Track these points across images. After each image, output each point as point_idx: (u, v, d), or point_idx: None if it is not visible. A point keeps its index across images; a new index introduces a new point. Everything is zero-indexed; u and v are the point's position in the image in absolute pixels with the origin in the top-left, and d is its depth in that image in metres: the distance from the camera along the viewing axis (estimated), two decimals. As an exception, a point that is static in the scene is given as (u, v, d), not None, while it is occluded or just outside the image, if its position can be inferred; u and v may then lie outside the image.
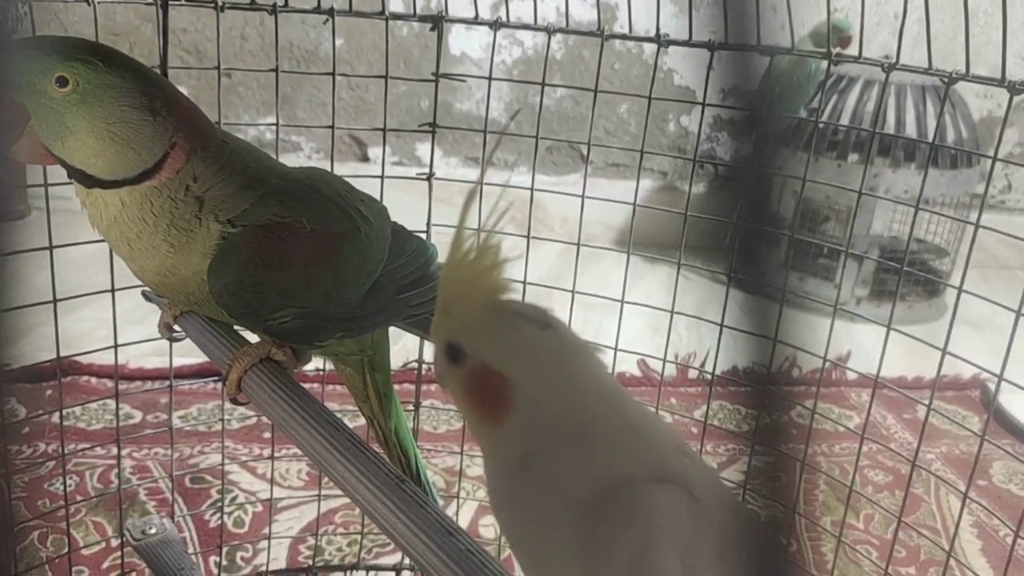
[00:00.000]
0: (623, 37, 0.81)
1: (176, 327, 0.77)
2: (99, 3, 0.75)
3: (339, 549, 1.09)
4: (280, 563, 1.06)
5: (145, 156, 0.63)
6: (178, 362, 0.95)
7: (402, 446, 0.84)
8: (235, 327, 0.74)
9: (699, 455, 0.50)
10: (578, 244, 0.86)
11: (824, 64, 0.77)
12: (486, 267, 0.47)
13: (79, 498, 1.11)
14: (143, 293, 0.85)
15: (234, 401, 0.69)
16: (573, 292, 0.88)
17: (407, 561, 1.04)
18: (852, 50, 0.78)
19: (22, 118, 0.61)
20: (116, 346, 0.86)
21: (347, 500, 1.08)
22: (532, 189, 0.87)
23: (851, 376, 1.65)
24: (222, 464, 1.00)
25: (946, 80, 0.72)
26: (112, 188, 0.63)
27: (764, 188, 0.24)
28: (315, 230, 0.66)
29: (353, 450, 0.58)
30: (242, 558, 1.06)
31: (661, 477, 0.44)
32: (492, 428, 0.47)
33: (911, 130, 1.92)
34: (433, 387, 1.40)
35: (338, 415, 0.65)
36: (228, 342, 0.70)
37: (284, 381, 0.65)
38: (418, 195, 0.91)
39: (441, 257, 0.79)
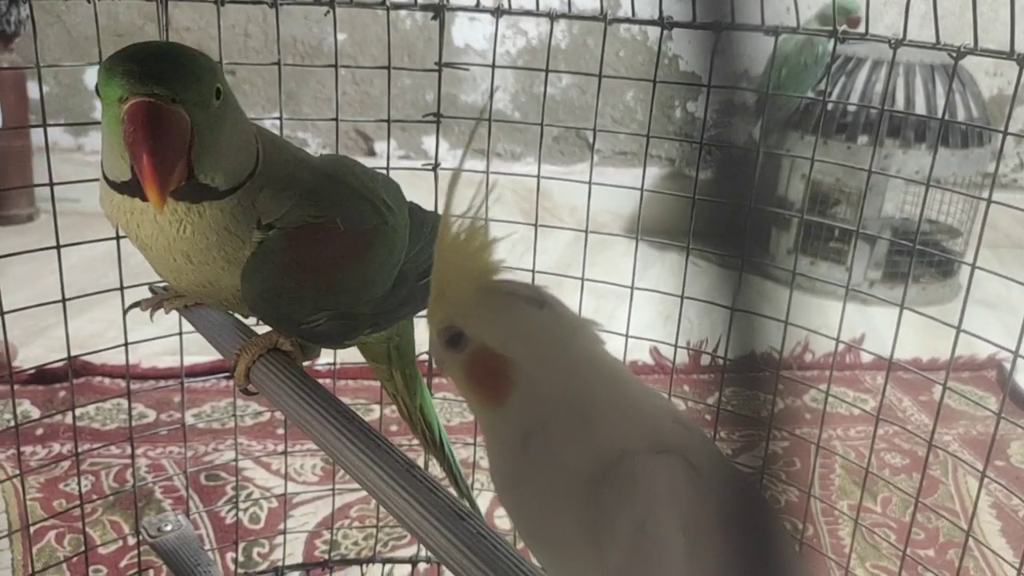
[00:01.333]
0: (626, 21, 0.80)
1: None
2: (100, 0, 0.75)
3: (355, 543, 1.09)
4: (297, 558, 1.06)
5: (252, 156, 0.61)
6: (190, 360, 0.95)
7: (426, 420, 0.84)
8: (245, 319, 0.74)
9: (697, 426, 0.50)
10: (586, 231, 0.86)
11: (831, 46, 0.76)
12: (476, 248, 0.47)
13: (95, 497, 1.11)
14: (151, 288, 0.85)
15: (244, 392, 0.69)
16: (583, 280, 0.87)
17: (423, 553, 1.04)
18: (859, 29, 0.78)
19: (188, 141, 0.56)
20: (127, 344, 0.86)
21: (362, 494, 1.08)
22: (539, 177, 0.87)
23: (866, 359, 1.64)
24: (236, 460, 1.00)
25: (954, 55, 0.71)
26: (223, 198, 0.60)
27: (730, 164, 0.24)
28: (347, 230, 0.64)
29: (364, 438, 0.58)
30: (259, 553, 1.06)
31: (659, 447, 0.45)
32: (494, 409, 0.47)
33: (921, 110, 1.90)
34: (447, 379, 1.40)
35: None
36: (235, 333, 0.70)
37: (293, 371, 0.65)
38: (424, 187, 0.91)
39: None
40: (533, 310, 0.47)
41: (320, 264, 0.63)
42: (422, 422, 0.84)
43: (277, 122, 0.86)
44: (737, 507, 0.45)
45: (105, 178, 0.59)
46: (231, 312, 0.72)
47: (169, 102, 0.54)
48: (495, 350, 0.47)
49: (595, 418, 0.46)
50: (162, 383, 1.35)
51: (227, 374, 1.27)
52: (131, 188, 0.57)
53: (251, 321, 0.73)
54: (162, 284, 0.86)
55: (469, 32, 2.26)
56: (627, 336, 0.85)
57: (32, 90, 2.01)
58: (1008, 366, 1.51)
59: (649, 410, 0.47)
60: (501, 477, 0.49)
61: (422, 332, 0.64)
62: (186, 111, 0.55)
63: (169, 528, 0.92)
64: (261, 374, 0.66)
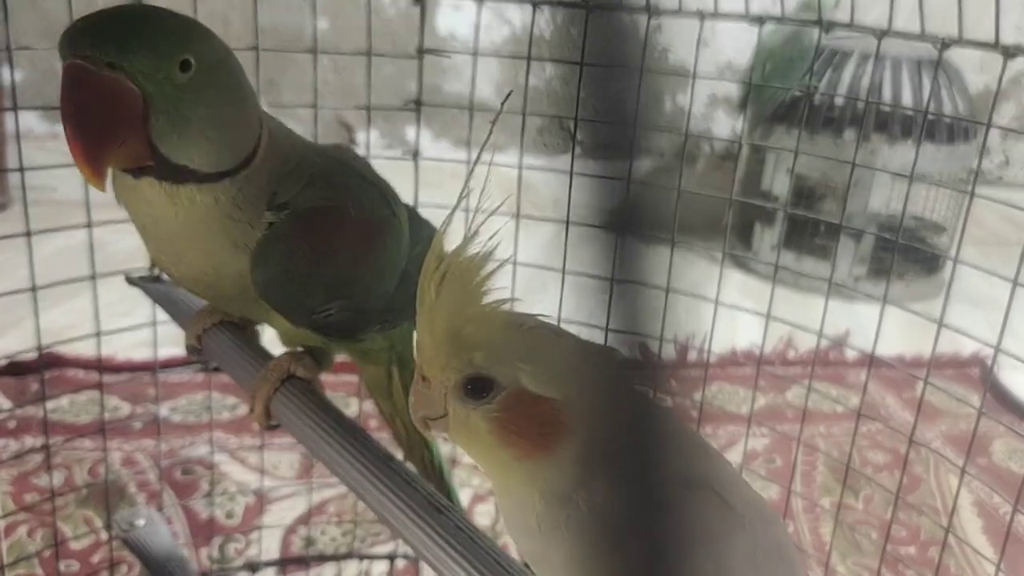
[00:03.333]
0: (609, 8, 0.79)
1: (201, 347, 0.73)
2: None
3: (333, 539, 1.08)
4: (273, 554, 1.04)
5: (249, 140, 0.56)
6: (166, 352, 0.93)
7: (427, 442, 0.79)
8: (259, 342, 0.70)
9: (717, 450, 0.47)
10: (567, 222, 0.84)
11: (817, 38, 0.76)
12: (480, 280, 0.42)
13: (67, 490, 1.09)
14: (127, 278, 0.83)
15: (269, 428, 0.66)
16: (563, 272, 0.86)
17: (401, 550, 1.02)
18: (844, 16, 0.77)
19: (139, 115, 0.50)
20: (99, 334, 0.84)
21: (341, 489, 1.07)
22: (520, 168, 0.85)
23: (850, 356, 1.63)
24: (211, 454, 0.98)
25: (939, 46, 0.70)
26: (211, 182, 0.55)
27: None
28: (359, 216, 0.60)
29: (397, 479, 0.56)
30: (235, 549, 1.05)
31: (689, 482, 0.42)
32: (540, 459, 0.41)
33: (908, 105, 1.90)
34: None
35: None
36: (253, 363, 0.66)
37: (314, 402, 0.62)
38: (406, 178, 0.89)
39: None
40: (563, 342, 0.42)
41: (333, 248, 0.59)
42: (421, 444, 0.78)
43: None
44: (765, 541, 0.43)
45: None
46: (233, 313, 0.69)
47: (103, 67, 0.49)
48: (538, 392, 0.41)
49: (635, 453, 0.42)
50: (137, 375, 1.33)
51: (203, 366, 1.25)
52: None
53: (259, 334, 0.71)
54: (139, 274, 0.85)
55: (453, 21, 2.24)
56: (607, 330, 0.84)
57: (6, 76, 1.98)
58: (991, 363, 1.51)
59: (675, 437, 0.44)
60: (535, 529, 0.43)
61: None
62: (135, 81, 0.50)
63: (141, 523, 0.90)
64: (282, 408, 0.63)
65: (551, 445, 0.41)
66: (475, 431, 0.42)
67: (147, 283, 0.81)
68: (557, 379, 0.41)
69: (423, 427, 0.45)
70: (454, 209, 0.43)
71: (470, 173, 0.44)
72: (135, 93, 0.50)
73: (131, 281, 0.83)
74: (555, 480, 0.42)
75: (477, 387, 0.41)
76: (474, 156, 0.80)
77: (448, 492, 0.81)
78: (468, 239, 0.41)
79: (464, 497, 1.16)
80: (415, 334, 0.43)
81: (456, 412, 0.42)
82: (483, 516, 1.12)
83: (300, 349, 0.66)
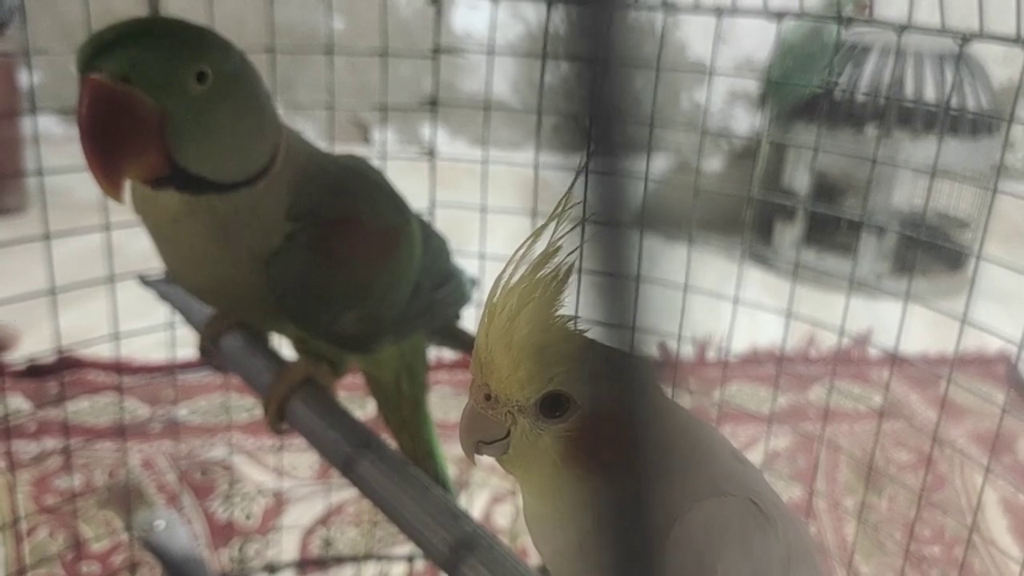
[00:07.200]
0: (625, 6, 0.78)
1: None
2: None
3: (351, 540, 1.08)
4: (292, 555, 1.04)
5: (267, 149, 0.56)
6: (184, 354, 0.93)
7: (433, 455, 0.79)
8: (271, 346, 0.70)
9: (750, 461, 0.46)
10: (583, 221, 0.84)
11: (837, 32, 0.74)
12: (552, 295, 0.40)
13: (87, 493, 1.10)
14: (141, 279, 0.83)
15: (280, 431, 0.66)
16: (580, 271, 0.85)
17: (420, 551, 1.02)
18: (864, 14, 0.76)
19: (155, 128, 0.51)
20: (117, 336, 0.84)
21: (358, 491, 1.07)
22: (536, 167, 0.85)
23: (873, 354, 1.61)
24: (230, 455, 0.98)
25: (960, 41, 0.69)
26: (230, 192, 0.55)
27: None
28: (375, 226, 0.61)
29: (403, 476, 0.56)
30: (253, 550, 1.05)
31: (726, 490, 0.41)
32: (595, 478, 0.40)
33: (930, 99, 1.87)
34: (440, 374, 1.38)
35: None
36: (267, 367, 0.66)
37: (329, 407, 0.62)
38: (423, 176, 0.89)
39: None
40: (611, 353, 0.40)
41: (350, 258, 0.59)
42: (429, 457, 0.78)
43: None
44: (800, 551, 0.43)
45: None
46: (247, 321, 0.69)
47: (117, 81, 0.50)
48: (612, 409, 0.39)
49: (676, 467, 0.41)
50: (155, 377, 1.34)
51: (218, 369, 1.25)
52: None
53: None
54: (154, 278, 0.85)
55: (469, 20, 2.24)
56: (632, 329, 0.83)
57: (24, 80, 1.99)
58: (1016, 361, 1.49)
59: (712, 447, 0.43)
60: (572, 552, 0.42)
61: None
62: (151, 94, 0.50)
63: (161, 524, 0.90)
64: (296, 413, 0.63)
65: (616, 463, 0.39)
66: (541, 452, 0.40)
67: (160, 285, 0.81)
68: (620, 394, 0.39)
69: (473, 452, 0.42)
70: (544, 224, 0.41)
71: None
72: (151, 106, 0.51)
73: (145, 283, 0.84)
74: (605, 496, 0.39)
75: (551, 406, 0.39)
76: (490, 155, 0.80)
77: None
78: (548, 253, 0.40)
79: (483, 498, 1.16)
80: (475, 352, 0.41)
81: (525, 434, 0.40)
82: (503, 517, 1.11)
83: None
